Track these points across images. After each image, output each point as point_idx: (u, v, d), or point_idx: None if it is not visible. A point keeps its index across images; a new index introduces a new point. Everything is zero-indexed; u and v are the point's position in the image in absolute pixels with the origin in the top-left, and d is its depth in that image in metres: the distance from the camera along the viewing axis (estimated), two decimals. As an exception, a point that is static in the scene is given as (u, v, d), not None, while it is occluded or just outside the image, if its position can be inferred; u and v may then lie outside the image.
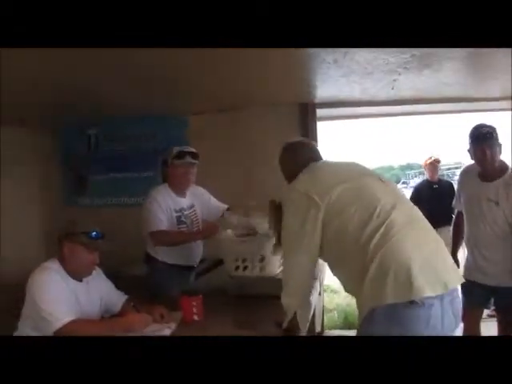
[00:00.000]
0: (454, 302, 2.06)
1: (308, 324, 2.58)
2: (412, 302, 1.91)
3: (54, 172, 6.05)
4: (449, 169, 25.28)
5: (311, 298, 2.67)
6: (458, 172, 4.39)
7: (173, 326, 2.69)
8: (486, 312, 3.96)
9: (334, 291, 7.34)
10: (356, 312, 2.23)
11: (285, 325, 2.40)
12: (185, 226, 3.74)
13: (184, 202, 3.80)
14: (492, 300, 3.46)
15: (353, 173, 2.39)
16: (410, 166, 45.83)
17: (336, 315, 6.36)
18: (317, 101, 5.16)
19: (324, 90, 4.61)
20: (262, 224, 3.14)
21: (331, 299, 7.01)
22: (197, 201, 3.93)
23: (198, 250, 3.86)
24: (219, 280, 3.39)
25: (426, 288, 1.92)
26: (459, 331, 3.18)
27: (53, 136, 5.96)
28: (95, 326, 2.52)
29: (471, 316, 3.44)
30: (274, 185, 2.84)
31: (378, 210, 2.10)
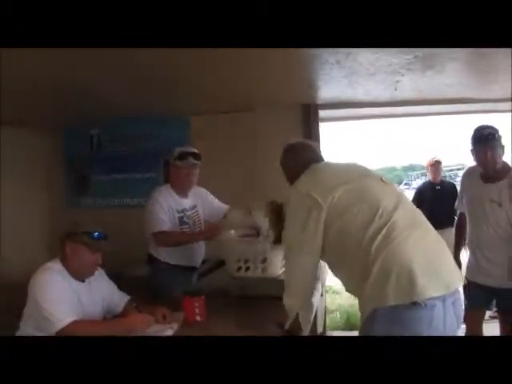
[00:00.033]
0: (456, 304, 2.06)
1: (310, 325, 2.58)
2: (414, 304, 1.91)
3: (57, 173, 6.06)
4: (451, 170, 25.27)
5: (313, 299, 2.67)
6: (461, 173, 4.39)
7: (175, 326, 2.69)
8: (488, 313, 3.95)
9: (335, 292, 7.33)
10: (358, 313, 2.23)
11: (287, 326, 2.40)
12: (187, 226, 3.74)
13: (186, 202, 3.80)
14: (494, 301, 3.46)
15: (354, 174, 2.39)
16: (412, 167, 45.79)
17: (338, 316, 6.35)
18: (319, 102, 5.15)
19: (326, 91, 4.60)
20: (265, 223, 3.15)
21: (333, 300, 7.01)
22: (199, 201, 3.93)
23: (200, 250, 3.87)
24: (221, 281, 3.39)
25: (428, 289, 1.92)
26: (461, 333, 3.17)
27: (54, 136, 5.97)
28: (97, 327, 2.52)
29: (473, 317, 3.44)
30: (277, 186, 2.84)
31: (380, 211, 2.10)
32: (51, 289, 2.47)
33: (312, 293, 2.56)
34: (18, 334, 2.54)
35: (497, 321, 3.68)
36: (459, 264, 3.55)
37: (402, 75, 3.95)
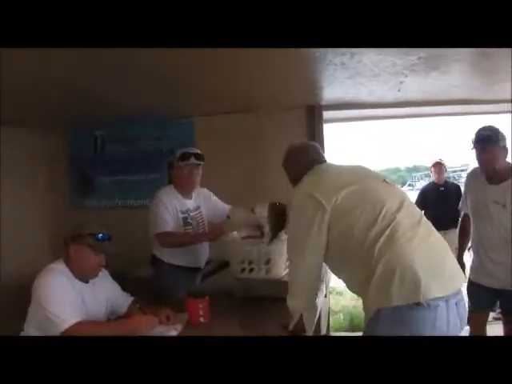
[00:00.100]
0: (459, 304, 2.07)
1: (314, 326, 2.58)
2: (418, 304, 1.92)
3: (59, 173, 6.06)
4: (455, 171, 25.26)
5: (317, 300, 2.67)
6: (465, 174, 4.39)
7: (179, 327, 2.69)
8: (491, 315, 3.94)
9: (339, 293, 7.33)
10: (362, 314, 2.23)
11: (291, 327, 2.40)
12: (191, 227, 3.75)
13: (190, 203, 3.81)
14: (498, 303, 3.45)
15: (357, 175, 2.40)
16: (416, 168, 45.80)
17: (342, 317, 6.35)
18: (323, 103, 5.15)
19: (330, 91, 4.60)
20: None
21: (337, 301, 7.00)
22: (203, 202, 3.94)
23: (204, 251, 3.87)
24: (225, 282, 3.38)
25: (431, 290, 1.93)
26: (465, 334, 3.17)
27: (55, 136, 5.96)
28: (101, 328, 2.51)
29: (477, 319, 3.43)
30: (281, 187, 2.84)
31: (383, 212, 2.11)
32: (55, 290, 2.47)
33: (316, 294, 2.56)
34: (22, 335, 2.54)
35: (500, 322, 3.68)
36: (463, 265, 3.53)
37: (406, 76, 3.95)
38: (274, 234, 3.11)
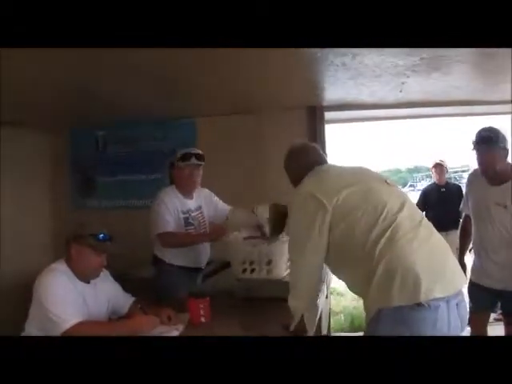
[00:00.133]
0: (460, 305, 2.06)
1: (315, 327, 2.58)
2: (418, 305, 1.92)
3: (61, 173, 6.06)
4: (456, 172, 25.25)
5: (318, 300, 2.67)
6: (466, 175, 4.39)
7: (180, 328, 2.70)
8: (492, 316, 3.94)
9: (340, 294, 7.34)
10: (362, 315, 2.24)
11: (292, 328, 2.40)
12: (192, 227, 3.75)
13: (191, 203, 3.81)
14: (499, 304, 3.44)
15: (358, 176, 2.40)
16: (417, 169, 45.74)
17: (342, 318, 6.36)
18: (325, 104, 5.14)
19: (332, 92, 4.60)
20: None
21: (338, 302, 7.01)
22: (204, 203, 3.94)
23: (205, 251, 3.87)
24: (226, 282, 3.39)
25: (432, 290, 1.93)
26: (466, 335, 3.16)
27: (56, 137, 5.96)
28: (102, 328, 2.52)
29: (478, 320, 3.43)
30: (282, 188, 2.84)
31: (384, 213, 2.11)
32: (56, 290, 2.47)
33: (317, 294, 2.56)
34: (23, 335, 2.54)
35: (501, 323, 3.68)
36: (464, 266, 3.54)
37: (408, 77, 3.94)
38: (275, 235, 3.11)
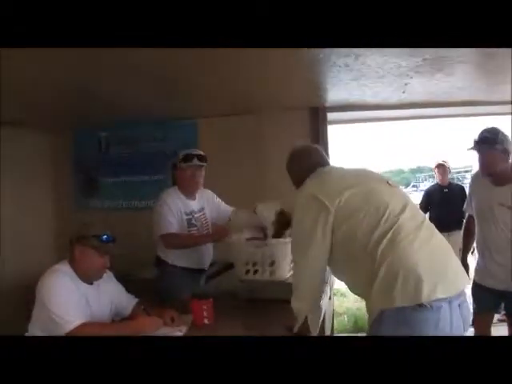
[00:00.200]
0: (462, 306, 2.07)
1: (318, 328, 2.58)
2: (420, 305, 1.92)
3: (65, 174, 6.08)
4: (459, 172, 25.22)
5: (321, 302, 2.66)
6: (469, 175, 4.38)
7: (183, 329, 2.69)
8: (496, 316, 3.93)
9: (343, 295, 7.33)
10: (366, 316, 2.23)
11: (296, 329, 2.40)
12: (195, 228, 3.76)
13: (194, 204, 3.81)
14: (502, 304, 3.44)
15: (361, 178, 2.40)
16: (420, 170, 45.71)
17: (346, 319, 6.35)
18: (327, 104, 5.15)
19: (335, 93, 4.60)
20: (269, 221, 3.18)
21: (341, 303, 7.00)
22: (206, 204, 3.94)
23: (208, 253, 3.87)
24: (229, 284, 3.39)
25: (434, 291, 1.93)
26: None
27: (57, 137, 5.98)
28: (105, 329, 2.51)
29: (482, 321, 3.43)
30: (284, 189, 2.84)
31: (386, 215, 2.11)
32: (60, 291, 2.47)
33: (320, 296, 2.56)
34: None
35: (505, 324, 3.67)
36: (466, 267, 3.53)
37: (411, 78, 3.94)
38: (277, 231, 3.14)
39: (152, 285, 3.65)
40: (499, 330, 3.97)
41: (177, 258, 3.67)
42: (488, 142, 3.25)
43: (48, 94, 3.99)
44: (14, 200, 5.25)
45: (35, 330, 2.52)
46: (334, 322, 4.99)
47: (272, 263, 3.06)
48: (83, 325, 2.39)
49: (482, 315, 3.40)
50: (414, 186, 35.25)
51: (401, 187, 2.60)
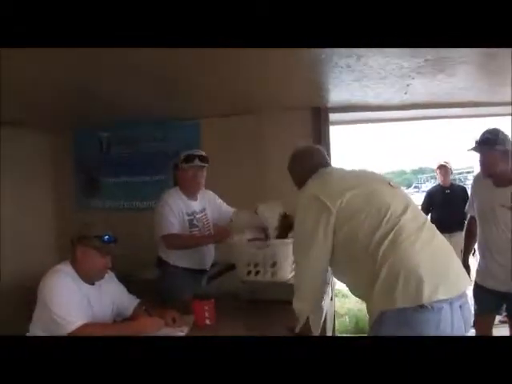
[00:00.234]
0: (463, 307, 2.07)
1: (320, 329, 2.58)
2: (421, 306, 1.93)
3: (66, 174, 6.08)
4: (461, 173, 25.20)
5: (323, 302, 2.66)
6: (471, 176, 4.39)
7: (185, 329, 2.70)
8: (497, 318, 3.93)
9: (345, 296, 7.32)
10: (367, 317, 2.23)
11: (297, 330, 2.40)
12: (197, 229, 3.76)
13: (195, 205, 3.81)
14: (504, 306, 3.43)
15: (362, 178, 2.41)
16: (422, 171, 45.66)
17: (347, 320, 6.35)
18: (329, 105, 5.15)
19: (337, 94, 4.60)
20: (271, 221, 3.18)
21: (342, 304, 7.00)
22: (208, 204, 3.94)
23: (209, 253, 3.87)
24: (231, 285, 3.39)
25: (435, 292, 1.94)
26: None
27: (59, 137, 5.99)
28: (107, 330, 2.51)
29: (483, 322, 3.42)
30: (287, 189, 2.84)
31: (387, 216, 2.11)
32: (61, 292, 2.47)
33: (322, 297, 2.56)
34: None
35: (507, 325, 3.67)
36: (468, 268, 3.53)
37: (413, 79, 3.94)
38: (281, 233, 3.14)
39: (153, 285, 3.65)
40: (500, 331, 3.97)
41: (178, 259, 3.66)
42: (488, 142, 3.26)
43: (48, 93, 3.99)
44: (14, 200, 5.25)
45: (36, 330, 2.52)
46: (336, 322, 4.99)
47: (274, 264, 3.06)
48: (85, 325, 2.39)
49: (483, 316, 3.40)
50: (415, 187, 35.23)
51: (402, 188, 2.60)
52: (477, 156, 3.39)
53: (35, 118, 5.12)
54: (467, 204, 3.74)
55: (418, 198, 7.21)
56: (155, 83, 3.84)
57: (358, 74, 3.75)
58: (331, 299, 3.52)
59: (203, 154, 3.73)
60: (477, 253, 3.66)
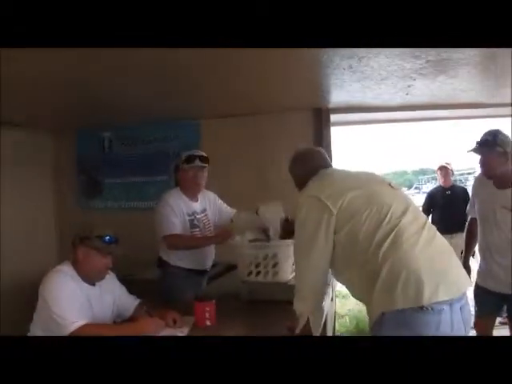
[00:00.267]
0: (463, 309, 2.07)
1: (320, 330, 2.58)
2: (421, 308, 1.93)
3: (66, 174, 6.09)
4: (462, 174, 25.22)
5: (323, 303, 2.66)
6: (472, 177, 4.39)
7: (185, 330, 2.69)
8: (498, 319, 3.93)
9: (345, 297, 7.29)
10: (367, 318, 2.23)
11: (298, 330, 2.39)
12: (198, 229, 3.75)
13: (196, 205, 3.81)
14: (505, 307, 3.43)
15: (362, 180, 2.42)
16: (423, 172, 45.65)
17: (348, 321, 6.34)
18: (330, 106, 5.15)
19: (338, 95, 4.60)
20: (272, 221, 3.18)
21: (343, 305, 6.99)
22: (208, 205, 3.94)
23: (210, 254, 3.87)
24: (231, 285, 3.39)
25: (435, 294, 1.94)
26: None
27: (57, 137, 6.01)
28: (107, 330, 2.50)
29: (484, 324, 3.42)
30: (287, 190, 2.84)
31: (387, 217, 2.12)
32: (62, 292, 2.47)
33: (322, 297, 2.56)
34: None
35: (507, 327, 3.66)
36: (468, 269, 3.54)
37: (414, 80, 3.95)
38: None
39: (154, 285, 3.65)
40: (501, 332, 3.97)
41: (179, 259, 3.67)
42: (488, 144, 3.26)
43: (48, 93, 3.99)
44: (14, 200, 5.25)
45: (37, 330, 2.52)
46: (336, 323, 4.99)
47: (274, 265, 3.06)
48: (85, 325, 2.39)
49: (483, 318, 3.40)
50: (416, 188, 35.22)
51: (403, 189, 2.61)
52: (478, 157, 3.39)
53: (35, 118, 5.12)
54: (468, 205, 3.74)
55: (418, 199, 7.21)
56: (155, 83, 3.84)
57: (359, 75, 3.75)
58: (332, 300, 3.52)
59: (204, 154, 3.74)
60: (477, 254, 3.66)
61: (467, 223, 3.81)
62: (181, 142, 5.47)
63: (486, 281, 3.42)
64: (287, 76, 3.83)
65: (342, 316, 6.49)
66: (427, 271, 1.97)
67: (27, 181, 5.48)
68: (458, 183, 7.76)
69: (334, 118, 5.31)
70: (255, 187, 5.09)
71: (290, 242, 2.93)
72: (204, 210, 3.88)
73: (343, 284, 2.43)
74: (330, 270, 2.38)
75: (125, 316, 2.90)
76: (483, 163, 3.33)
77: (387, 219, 2.11)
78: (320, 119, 5.22)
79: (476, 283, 3.49)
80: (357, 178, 2.46)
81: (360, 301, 2.38)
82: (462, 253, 3.77)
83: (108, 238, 2.63)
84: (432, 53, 3.19)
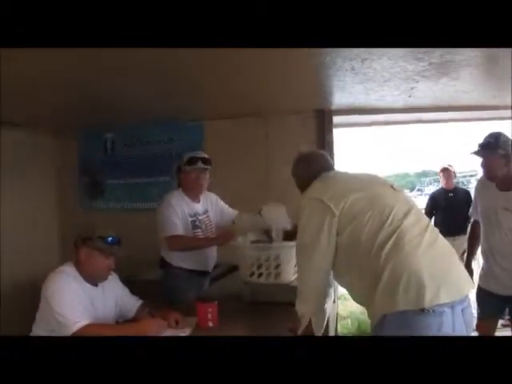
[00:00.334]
0: (465, 311, 2.06)
1: (322, 331, 2.58)
2: (423, 310, 1.93)
3: (68, 175, 6.09)
4: (464, 176, 25.18)
5: (326, 305, 2.66)
6: (474, 179, 4.39)
7: (187, 331, 2.69)
8: (500, 322, 3.92)
9: (347, 299, 7.28)
10: (369, 320, 2.23)
11: (300, 332, 2.39)
12: (200, 230, 3.75)
13: (198, 207, 3.82)
14: (507, 310, 3.43)
15: (365, 182, 2.42)
16: (425, 174, 45.53)
17: (350, 323, 6.34)
18: (333, 108, 5.15)
19: (341, 96, 4.60)
20: (274, 222, 3.19)
21: (345, 307, 6.98)
22: (210, 207, 3.95)
23: (212, 255, 3.87)
24: (233, 286, 3.39)
25: (437, 296, 1.94)
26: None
27: (57, 137, 6.00)
28: (110, 331, 2.50)
29: (486, 326, 3.41)
30: (290, 192, 2.84)
31: (389, 219, 2.12)
32: (64, 292, 2.47)
33: (325, 299, 2.56)
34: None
35: (509, 329, 3.66)
36: (471, 272, 3.54)
37: (417, 82, 3.95)
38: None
39: (156, 286, 3.65)
40: (503, 334, 3.95)
41: (181, 260, 3.66)
42: (490, 146, 3.27)
43: (48, 94, 4.00)
44: (14, 200, 5.25)
45: (39, 330, 2.53)
46: (338, 325, 5.00)
47: (277, 266, 3.06)
48: (87, 326, 2.39)
49: (485, 320, 3.40)
50: (419, 190, 35.12)
51: (406, 191, 2.61)
52: (480, 159, 3.39)
53: (35, 118, 5.13)
54: (471, 208, 3.75)
55: (421, 201, 7.19)
56: (155, 83, 3.84)
57: (362, 77, 3.76)
58: (334, 302, 3.52)
59: (206, 156, 3.74)
60: (479, 256, 3.66)
61: (470, 225, 3.82)
62: (184, 144, 5.45)
63: (489, 283, 3.41)
64: (290, 77, 3.83)
65: (344, 318, 6.49)
66: (429, 273, 1.97)
67: (27, 181, 5.48)
68: (460, 185, 7.75)
69: (336, 119, 5.31)
70: (257, 189, 5.09)
71: (292, 243, 2.92)
72: (206, 212, 3.88)
73: (344, 287, 2.43)
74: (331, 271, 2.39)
75: (127, 316, 2.90)
76: (485, 165, 3.33)
77: (389, 221, 2.10)
78: (322, 121, 5.22)
79: (478, 285, 3.49)
80: (359, 180, 2.47)
81: (360, 304, 2.37)
82: (462, 253, 3.77)
83: (110, 238, 2.63)
84: (435, 55, 3.19)
